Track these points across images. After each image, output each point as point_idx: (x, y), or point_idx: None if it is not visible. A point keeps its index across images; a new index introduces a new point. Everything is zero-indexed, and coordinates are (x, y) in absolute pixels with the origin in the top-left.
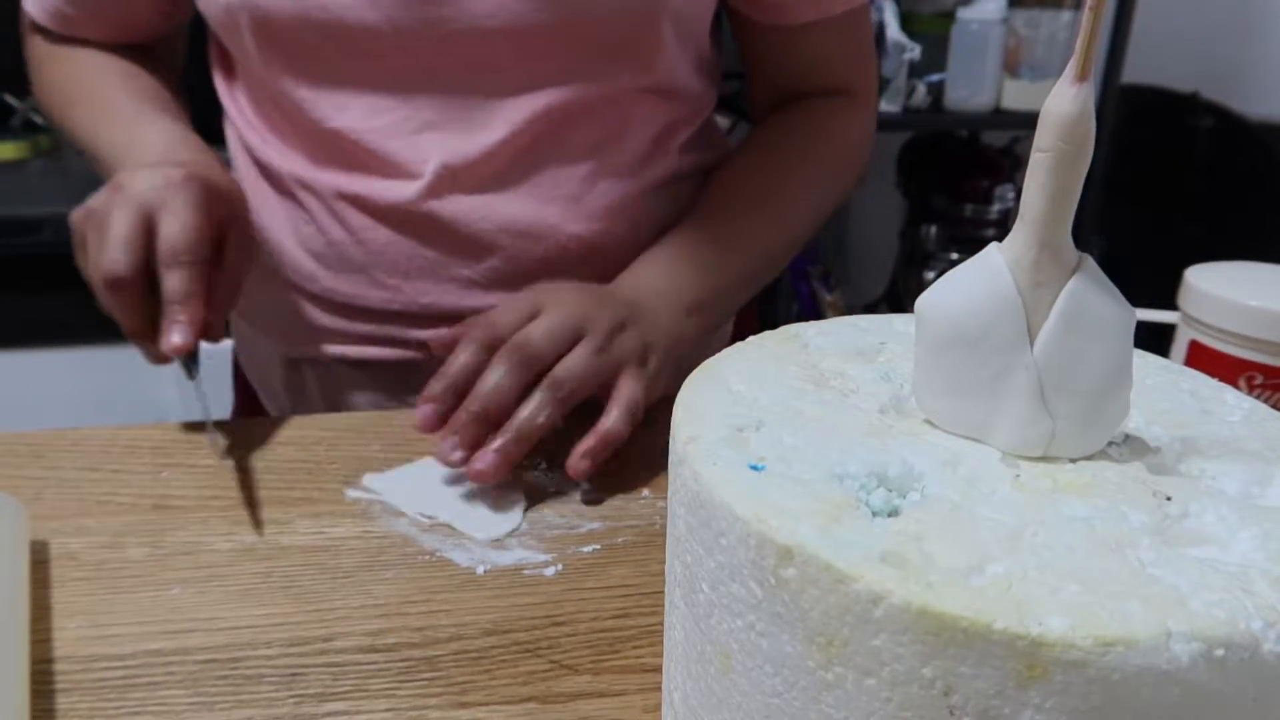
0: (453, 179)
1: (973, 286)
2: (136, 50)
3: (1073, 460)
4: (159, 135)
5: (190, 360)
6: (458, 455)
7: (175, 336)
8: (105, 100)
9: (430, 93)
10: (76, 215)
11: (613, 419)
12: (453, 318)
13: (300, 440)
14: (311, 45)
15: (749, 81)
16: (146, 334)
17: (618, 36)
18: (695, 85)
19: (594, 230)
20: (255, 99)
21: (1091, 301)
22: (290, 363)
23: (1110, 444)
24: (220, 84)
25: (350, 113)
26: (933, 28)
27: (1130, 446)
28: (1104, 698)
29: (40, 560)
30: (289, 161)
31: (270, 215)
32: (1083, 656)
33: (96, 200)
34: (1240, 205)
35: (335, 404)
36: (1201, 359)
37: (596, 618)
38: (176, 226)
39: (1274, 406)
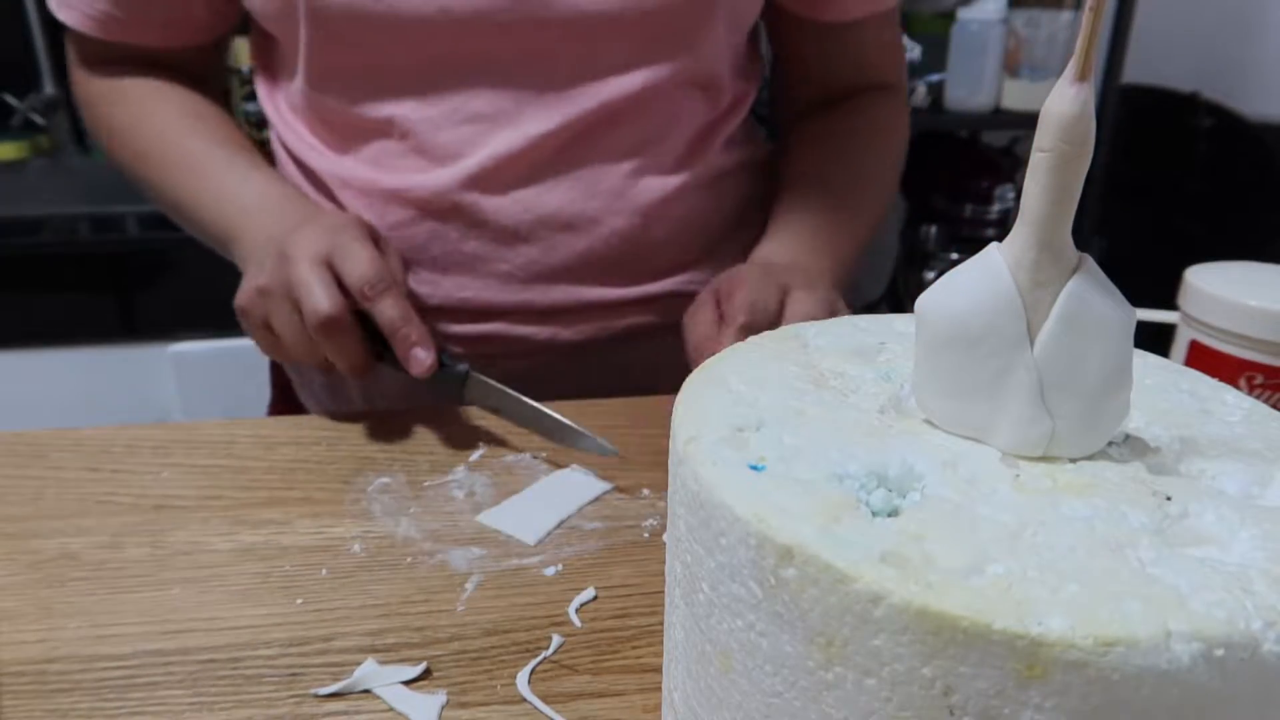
0: (495, 170)
1: (973, 286)
2: (184, 74)
3: (1073, 460)
4: (262, 191)
5: (447, 377)
6: None
7: (422, 357)
8: (181, 153)
9: (482, 84)
10: (243, 300)
11: None
12: (490, 313)
13: (300, 440)
14: (366, 36)
15: (786, 82)
16: (369, 368)
17: (675, 25)
18: (735, 82)
19: (635, 225)
20: (297, 100)
21: (1092, 301)
22: None
23: (1110, 444)
24: (261, 86)
25: (403, 104)
26: (933, 28)
27: (1130, 446)
28: (1104, 698)
29: (40, 560)
30: (328, 162)
31: None
32: (1083, 656)
33: (260, 279)
34: (1240, 205)
35: (373, 397)
36: (1201, 359)
37: (596, 618)
38: (360, 261)
39: (1274, 406)
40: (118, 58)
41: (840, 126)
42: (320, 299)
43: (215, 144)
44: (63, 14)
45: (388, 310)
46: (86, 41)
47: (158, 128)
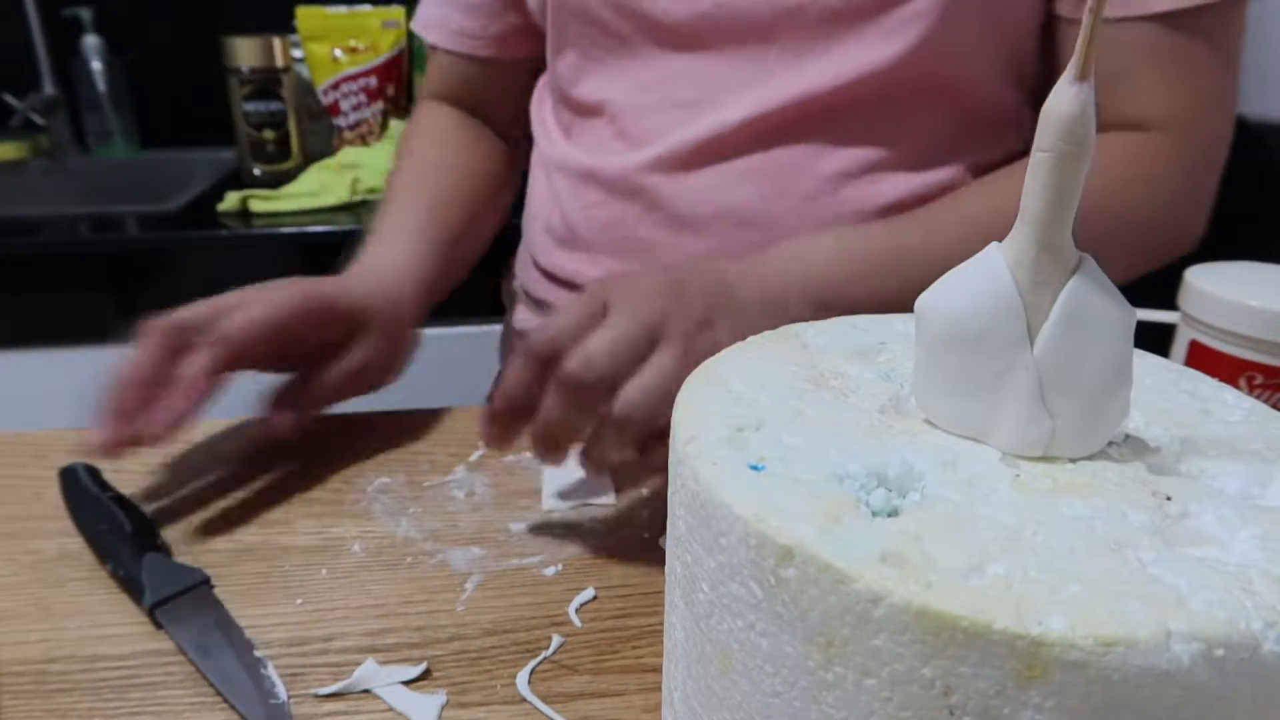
0: (681, 154)
1: (973, 286)
2: (497, 120)
3: (1073, 460)
4: (375, 256)
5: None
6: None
7: (103, 432)
8: (387, 201)
9: (693, 70)
10: None
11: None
12: None
13: (301, 440)
14: (594, 13)
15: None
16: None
17: (906, 14)
18: (995, 92)
19: None
20: (550, 90)
21: (1091, 301)
22: (521, 335)
23: (1110, 444)
24: (536, 96)
25: (617, 87)
26: None
27: (1130, 446)
28: (1104, 698)
29: (40, 560)
30: (554, 145)
31: (534, 194)
32: (1083, 656)
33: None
34: (1240, 205)
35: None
36: (1201, 359)
37: (596, 618)
38: (232, 316)
39: (1274, 406)
40: (445, 88)
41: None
42: (170, 314)
43: (406, 205)
44: (426, 33)
45: (189, 361)
46: (442, 64)
47: (404, 169)
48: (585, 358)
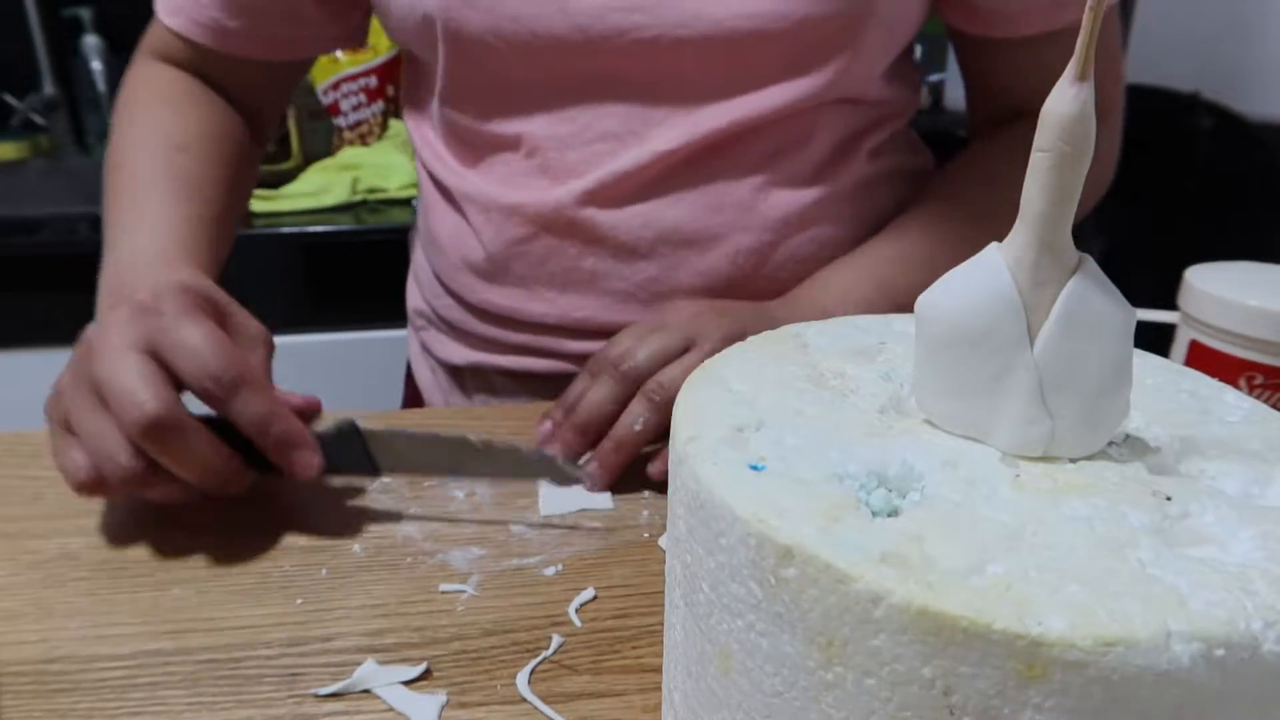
0: (613, 185)
1: (973, 286)
2: (232, 95)
3: (1073, 460)
4: (138, 248)
5: (341, 438)
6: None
7: (308, 458)
8: (130, 180)
9: (614, 103)
10: (49, 405)
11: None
12: (607, 333)
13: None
14: (501, 55)
15: (968, 101)
16: (239, 476)
17: (816, 44)
18: (886, 93)
19: (765, 242)
20: (438, 119)
21: (1091, 301)
22: (452, 370)
23: (1110, 444)
24: (408, 113)
25: (533, 121)
26: (933, 27)
27: (1130, 446)
28: (1104, 698)
29: (40, 560)
30: (458, 177)
31: (441, 227)
32: (1083, 656)
33: (64, 378)
34: (1240, 205)
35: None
36: (1201, 359)
37: (596, 618)
38: (193, 347)
39: (1274, 406)
40: (180, 59)
41: (1001, 145)
42: (138, 395)
43: (160, 182)
44: (171, 20)
45: (247, 409)
46: (176, 42)
47: (137, 141)
48: (629, 353)
